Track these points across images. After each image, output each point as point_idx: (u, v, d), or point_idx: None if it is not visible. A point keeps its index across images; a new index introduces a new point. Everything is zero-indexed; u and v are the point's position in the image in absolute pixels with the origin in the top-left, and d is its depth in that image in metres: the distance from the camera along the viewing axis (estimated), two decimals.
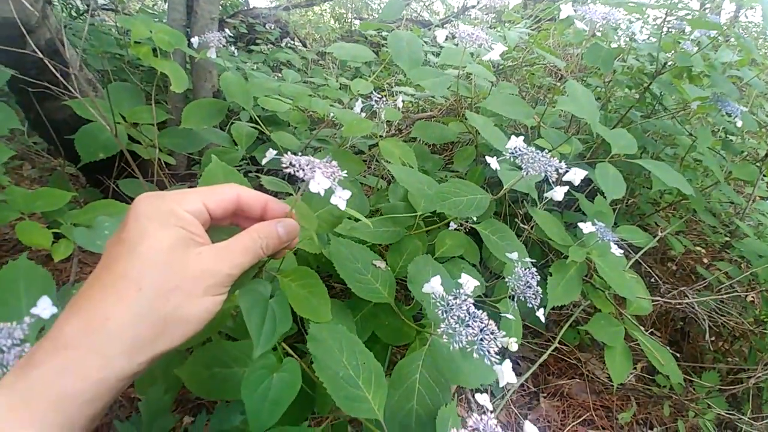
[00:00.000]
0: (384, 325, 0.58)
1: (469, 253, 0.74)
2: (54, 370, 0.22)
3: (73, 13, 2.71)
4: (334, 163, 0.32)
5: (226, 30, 0.77)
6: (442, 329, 0.36)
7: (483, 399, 0.35)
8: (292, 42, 1.98)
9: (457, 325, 0.35)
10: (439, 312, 0.37)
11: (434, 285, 0.39)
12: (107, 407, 0.25)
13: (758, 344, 1.07)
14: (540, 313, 0.46)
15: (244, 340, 0.47)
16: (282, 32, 2.52)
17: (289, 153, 0.32)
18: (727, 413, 0.84)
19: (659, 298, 0.76)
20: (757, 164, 1.16)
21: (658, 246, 1.32)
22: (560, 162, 0.46)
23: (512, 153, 0.47)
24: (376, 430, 0.36)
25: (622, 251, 0.65)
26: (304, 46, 2.74)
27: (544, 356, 0.73)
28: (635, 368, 1.01)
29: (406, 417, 0.37)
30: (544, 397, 0.92)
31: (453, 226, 0.82)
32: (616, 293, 0.67)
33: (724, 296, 0.82)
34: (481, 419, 0.30)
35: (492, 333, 0.35)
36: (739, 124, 0.83)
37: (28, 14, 0.84)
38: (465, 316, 0.36)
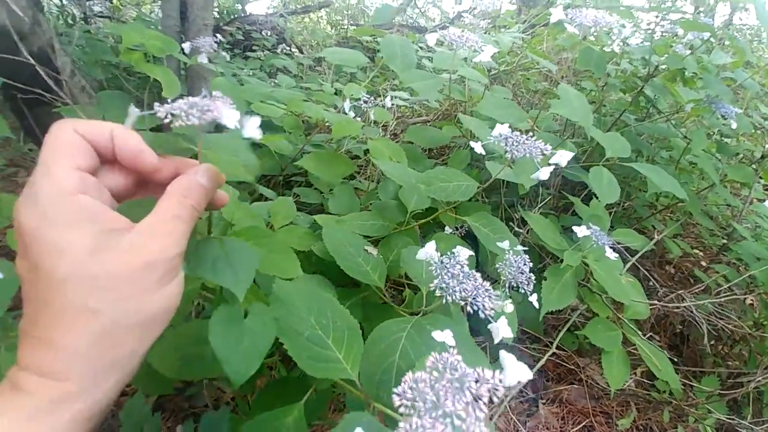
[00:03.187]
0: (373, 316, 0.57)
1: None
2: (20, 419, 0.21)
3: (69, 21, 2.72)
4: (216, 93, 0.27)
5: (218, 36, 0.77)
6: (435, 284, 0.35)
7: (442, 336, 0.31)
8: (288, 48, 1.98)
9: (451, 281, 0.35)
10: (433, 270, 0.36)
11: (429, 250, 0.38)
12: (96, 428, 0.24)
13: (758, 347, 1.06)
14: (533, 299, 0.45)
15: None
16: (278, 39, 2.54)
17: (157, 104, 0.26)
18: (727, 418, 0.83)
19: (656, 302, 0.76)
20: (753, 166, 1.16)
21: (656, 250, 1.31)
22: (546, 144, 0.46)
23: (496, 138, 0.47)
24: (352, 390, 0.33)
25: (617, 255, 0.64)
26: (301, 52, 2.76)
27: (542, 361, 0.72)
28: (634, 373, 1.00)
29: (385, 373, 0.33)
30: (543, 404, 0.90)
31: (448, 230, 0.82)
32: (613, 297, 0.66)
33: (722, 299, 0.82)
34: (441, 357, 0.25)
35: (486, 290, 0.35)
36: (734, 125, 0.83)
37: (20, 21, 0.84)
38: (459, 275, 0.35)
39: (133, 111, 0.27)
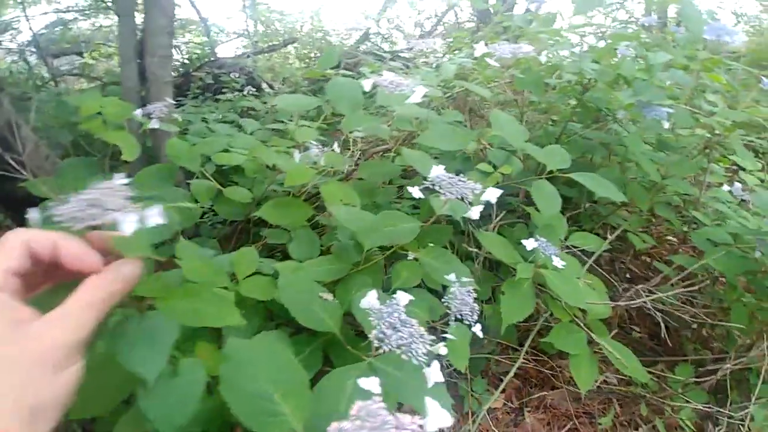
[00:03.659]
0: (337, 358, 0.59)
1: (429, 280, 0.77)
2: None
3: (38, 83, 2.76)
4: (118, 182, 0.30)
5: (171, 100, 0.81)
6: (373, 334, 0.38)
7: None
8: (254, 90, 2.04)
9: (388, 330, 0.37)
10: (373, 320, 0.39)
11: (370, 300, 0.41)
12: None
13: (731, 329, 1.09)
14: (477, 329, 0.48)
15: None
16: (247, 79, 2.61)
17: (56, 204, 0.28)
18: (704, 406, 0.85)
19: (611, 302, 0.79)
20: (704, 152, 1.21)
21: (629, 243, 1.36)
22: (476, 183, 0.50)
23: (431, 181, 0.51)
24: None
25: (566, 260, 0.68)
26: (272, 88, 2.83)
27: (511, 373, 0.74)
28: (617, 370, 1.02)
29: (330, 422, 0.36)
30: (529, 412, 0.92)
31: (412, 256, 0.85)
32: (568, 303, 0.69)
33: (678, 291, 0.86)
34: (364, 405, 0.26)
35: (421, 336, 0.37)
36: (666, 125, 0.89)
37: None
38: (396, 323, 0.38)
39: (34, 216, 0.31)
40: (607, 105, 1.02)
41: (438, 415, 0.28)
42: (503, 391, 0.99)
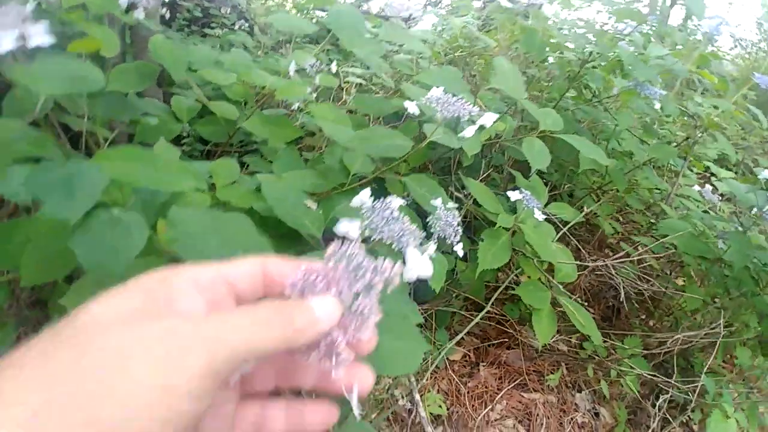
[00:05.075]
0: None
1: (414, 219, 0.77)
2: None
3: None
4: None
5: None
6: (364, 225, 0.37)
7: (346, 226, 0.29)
8: (246, 24, 1.93)
9: (380, 222, 0.37)
10: (365, 212, 0.39)
11: (363, 197, 0.40)
12: None
13: (680, 315, 1.18)
14: (458, 248, 0.49)
15: None
16: (239, 17, 2.46)
17: None
18: (648, 374, 0.91)
19: (580, 262, 0.82)
20: (685, 143, 1.26)
21: (597, 234, 1.43)
22: (473, 106, 0.49)
23: (428, 99, 0.50)
24: None
25: (543, 218, 0.70)
26: (264, 33, 2.68)
27: (473, 323, 0.77)
28: (569, 339, 1.08)
29: None
30: (484, 366, 0.96)
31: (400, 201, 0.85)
32: (546, 264, 0.71)
33: (635, 258, 0.90)
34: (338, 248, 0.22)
35: (412, 233, 0.38)
36: (657, 106, 0.91)
37: None
38: (389, 217, 0.38)
39: None
40: (603, 85, 1.03)
41: (418, 264, 0.28)
42: (463, 346, 1.02)
